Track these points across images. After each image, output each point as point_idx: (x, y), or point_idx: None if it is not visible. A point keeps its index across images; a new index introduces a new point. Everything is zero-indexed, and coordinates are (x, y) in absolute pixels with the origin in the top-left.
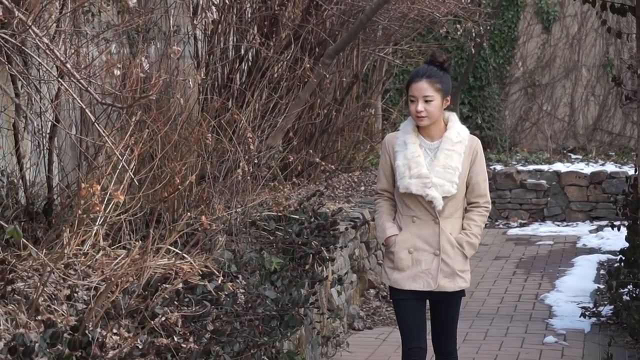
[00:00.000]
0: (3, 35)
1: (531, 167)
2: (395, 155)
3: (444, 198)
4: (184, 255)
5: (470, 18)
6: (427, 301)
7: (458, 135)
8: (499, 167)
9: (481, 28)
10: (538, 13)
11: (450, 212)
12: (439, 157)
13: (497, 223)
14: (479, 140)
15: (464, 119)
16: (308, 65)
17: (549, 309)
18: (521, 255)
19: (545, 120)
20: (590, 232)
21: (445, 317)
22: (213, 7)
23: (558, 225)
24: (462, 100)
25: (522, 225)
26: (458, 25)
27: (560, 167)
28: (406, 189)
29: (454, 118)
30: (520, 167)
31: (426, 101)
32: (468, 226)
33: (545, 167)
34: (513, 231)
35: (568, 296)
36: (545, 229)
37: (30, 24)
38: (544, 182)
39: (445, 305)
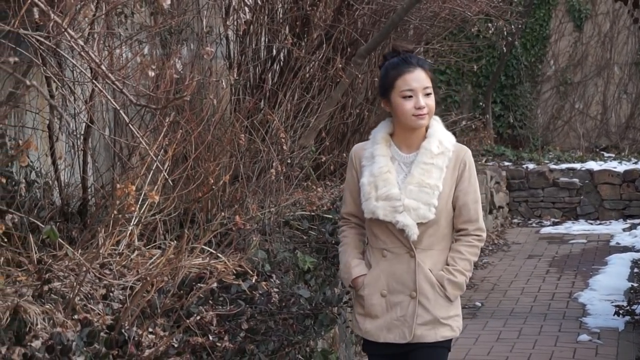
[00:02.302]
0: (38, 37)
1: (564, 166)
2: (361, 171)
3: (419, 225)
4: (218, 254)
5: (501, 16)
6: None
7: (440, 145)
8: (531, 165)
9: (513, 26)
10: (570, 11)
11: (431, 242)
12: (414, 172)
13: (530, 222)
14: (469, 151)
15: (496, 118)
16: (340, 65)
17: (582, 308)
18: (554, 254)
19: (578, 119)
20: (624, 230)
21: None
22: (246, 8)
23: (591, 224)
24: (494, 99)
25: (555, 223)
26: (489, 24)
27: (593, 165)
28: (372, 214)
29: (436, 123)
30: (552, 166)
31: (426, 94)
32: (452, 260)
33: (577, 166)
34: (546, 230)
35: (602, 295)
36: (578, 227)
37: (65, 26)
38: (576, 180)
39: (424, 359)
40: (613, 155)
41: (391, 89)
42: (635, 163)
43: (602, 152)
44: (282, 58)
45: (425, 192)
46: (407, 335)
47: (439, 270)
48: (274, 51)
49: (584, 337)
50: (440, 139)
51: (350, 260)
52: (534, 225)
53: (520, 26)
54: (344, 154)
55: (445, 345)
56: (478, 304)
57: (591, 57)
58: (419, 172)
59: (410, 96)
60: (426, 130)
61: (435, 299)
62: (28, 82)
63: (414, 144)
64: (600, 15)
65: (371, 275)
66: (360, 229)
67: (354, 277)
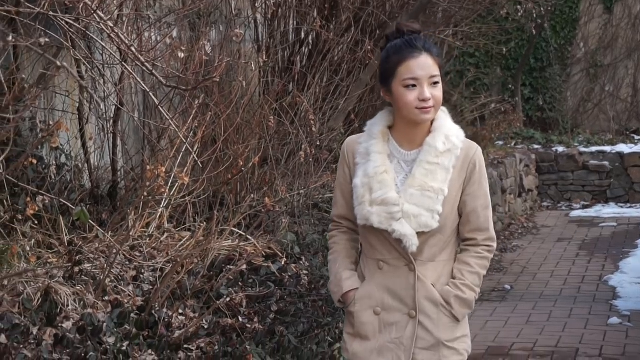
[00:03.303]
0: (68, 20)
1: (594, 149)
2: (355, 170)
3: (420, 234)
4: (248, 237)
5: None
6: None
7: (447, 142)
8: (560, 148)
9: (542, 9)
10: None
11: (433, 253)
12: (416, 174)
13: (559, 205)
14: (480, 149)
15: (525, 101)
16: (369, 48)
17: (613, 291)
18: (584, 237)
19: (608, 101)
20: None
21: None
22: None
23: (621, 207)
24: (523, 82)
25: (584, 207)
26: (519, 6)
27: (623, 148)
28: (365, 221)
29: (443, 115)
30: (582, 149)
31: (433, 84)
32: (460, 273)
33: (607, 149)
34: (576, 213)
35: (632, 277)
36: (608, 210)
37: (95, 8)
38: (606, 163)
39: None
40: None
41: (392, 77)
42: None
43: (632, 135)
44: (310, 41)
45: (428, 197)
46: None
47: (443, 284)
48: (303, 34)
49: (615, 320)
50: (447, 134)
51: (341, 272)
52: (563, 208)
53: (549, 8)
54: None
55: None
56: (507, 287)
57: (621, 39)
58: (421, 173)
59: (414, 85)
60: (432, 124)
61: (439, 319)
62: (59, 63)
63: (417, 139)
64: None
65: (364, 289)
66: (353, 234)
67: (345, 291)
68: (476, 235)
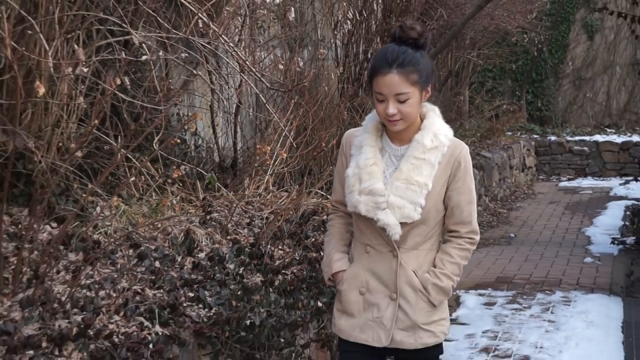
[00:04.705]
0: (202, 42)
1: (577, 138)
2: (349, 160)
3: (404, 224)
4: (327, 196)
5: (534, 30)
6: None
7: (434, 139)
8: (553, 138)
9: (541, 37)
10: (584, 26)
11: (417, 241)
12: (402, 167)
13: (551, 178)
14: (466, 147)
15: (528, 103)
16: None
17: (588, 239)
18: (568, 201)
19: (588, 104)
20: (620, 184)
21: None
22: (348, 22)
23: (596, 180)
24: (527, 90)
25: (569, 179)
26: (525, 35)
27: (598, 137)
28: (354, 208)
29: (432, 114)
30: (569, 138)
31: (400, 101)
32: (441, 262)
33: (587, 138)
34: (563, 184)
35: (602, 230)
36: (586, 182)
37: (220, 33)
38: (586, 148)
39: None
40: (614, 130)
41: (370, 83)
42: (630, 136)
43: (605, 128)
44: None
45: (412, 190)
46: (384, 339)
47: (424, 272)
48: (369, 54)
49: (588, 259)
50: (436, 132)
51: (333, 254)
52: (554, 180)
53: (547, 37)
54: None
55: (436, 353)
56: (512, 235)
57: (599, 59)
58: (407, 168)
59: (382, 100)
60: (422, 122)
61: (417, 303)
62: (195, 72)
63: (407, 136)
64: (607, 28)
65: (351, 270)
66: (349, 218)
67: (334, 271)
68: (459, 227)
